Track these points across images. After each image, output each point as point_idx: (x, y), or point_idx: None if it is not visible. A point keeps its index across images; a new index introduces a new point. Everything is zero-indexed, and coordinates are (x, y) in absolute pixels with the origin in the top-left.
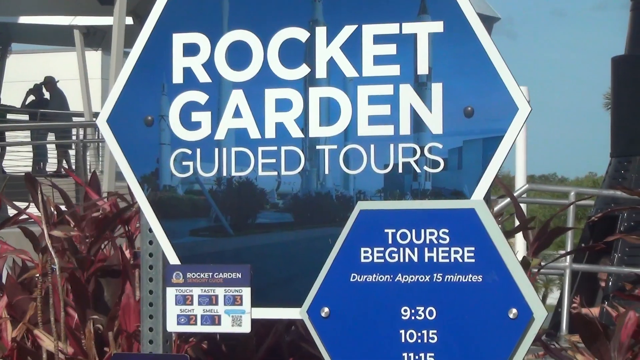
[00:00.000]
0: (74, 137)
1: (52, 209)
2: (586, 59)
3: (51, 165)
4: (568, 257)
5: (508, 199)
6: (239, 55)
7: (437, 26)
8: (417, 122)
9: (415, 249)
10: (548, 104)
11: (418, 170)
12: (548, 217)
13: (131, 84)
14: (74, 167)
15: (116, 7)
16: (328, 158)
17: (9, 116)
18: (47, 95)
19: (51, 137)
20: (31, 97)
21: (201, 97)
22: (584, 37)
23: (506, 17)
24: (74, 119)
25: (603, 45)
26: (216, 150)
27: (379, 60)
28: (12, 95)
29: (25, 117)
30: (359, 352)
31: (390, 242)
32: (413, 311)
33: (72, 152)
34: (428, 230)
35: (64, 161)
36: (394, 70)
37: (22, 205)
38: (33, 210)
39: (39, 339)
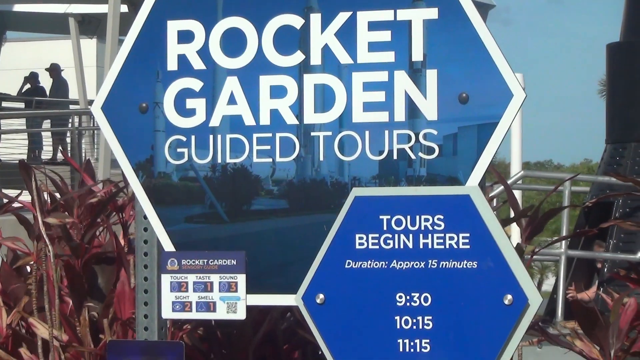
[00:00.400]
0: (70, 125)
1: (46, 196)
2: (581, 45)
3: (46, 153)
4: (563, 243)
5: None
6: (233, 42)
7: (432, 13)
8: (411, 109)
9: (410, 235)
10: (544, 91)
11: (413, 157)
12: (543, 204)
13: (126, 71)
14: (69, 155)
15: None
16: (323, 145)
17: (4, 104)
18: (42, 83)
19: (47, 124)
20: (27, 85)
21: (196, 84)
22: (580, 24)
23: (502, 4)
24: (70, 106)
25: (598, 32)
26: (211, 137)
27: (373, 46)
28: (7, 83)
29: (21, 105)
30: (354, 339)
31: (385, 228)
32: (408, 297)
33: (69, 140)
34: (423, 217)
35: (61, 148)
36: (388, 56)
37: (17, 193)
38: (28, 197)
39: (33, 327)
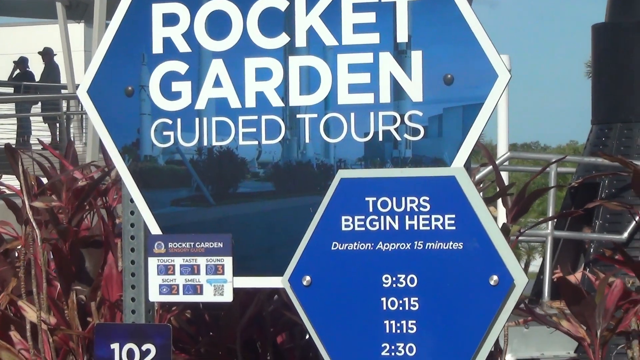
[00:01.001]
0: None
1: (33, 180)
2: (569, 27)
3: (35, 138)
4: (550, 224)
5: (490, 167)
6: (218, 24)
7: None
8: (397, 90)
9: (396, 217)
10: (530, 73)
11: (398, 138)
12: (530, 185)
13: (111, 54)
14: (58, 139)
15: None
16: (308, 127)
17: None
18: (32, 68)
19: (36, 109)
20: (17, 70)
21: (181, 67)
22: (566, 5)
23: None
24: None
25: (584, 13)
26: (197, 120)
27: (358, 28)
28: None
29: (9, 90)
30: (340, 320)
31: (371, 210)
32: (394, 279)
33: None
34: (409, 198)
35: (52, 133)
36: (373, 38)
37: (5, 178)
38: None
39: (22, 310)
